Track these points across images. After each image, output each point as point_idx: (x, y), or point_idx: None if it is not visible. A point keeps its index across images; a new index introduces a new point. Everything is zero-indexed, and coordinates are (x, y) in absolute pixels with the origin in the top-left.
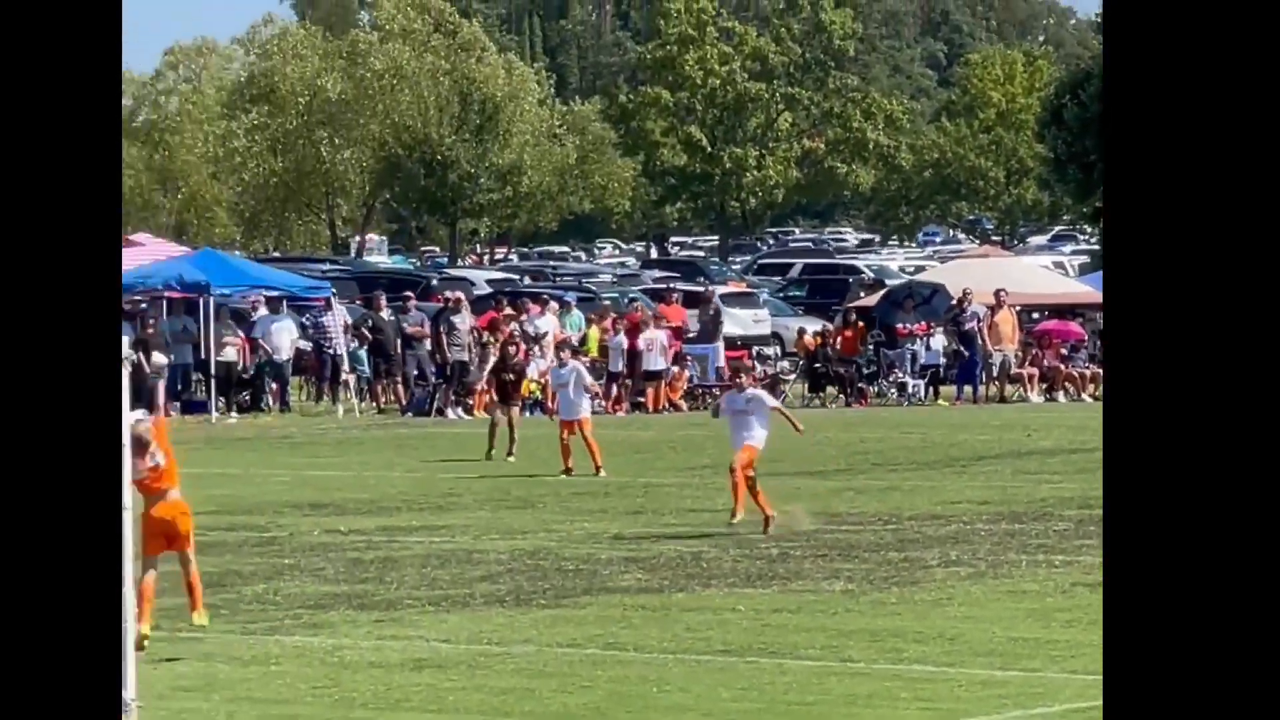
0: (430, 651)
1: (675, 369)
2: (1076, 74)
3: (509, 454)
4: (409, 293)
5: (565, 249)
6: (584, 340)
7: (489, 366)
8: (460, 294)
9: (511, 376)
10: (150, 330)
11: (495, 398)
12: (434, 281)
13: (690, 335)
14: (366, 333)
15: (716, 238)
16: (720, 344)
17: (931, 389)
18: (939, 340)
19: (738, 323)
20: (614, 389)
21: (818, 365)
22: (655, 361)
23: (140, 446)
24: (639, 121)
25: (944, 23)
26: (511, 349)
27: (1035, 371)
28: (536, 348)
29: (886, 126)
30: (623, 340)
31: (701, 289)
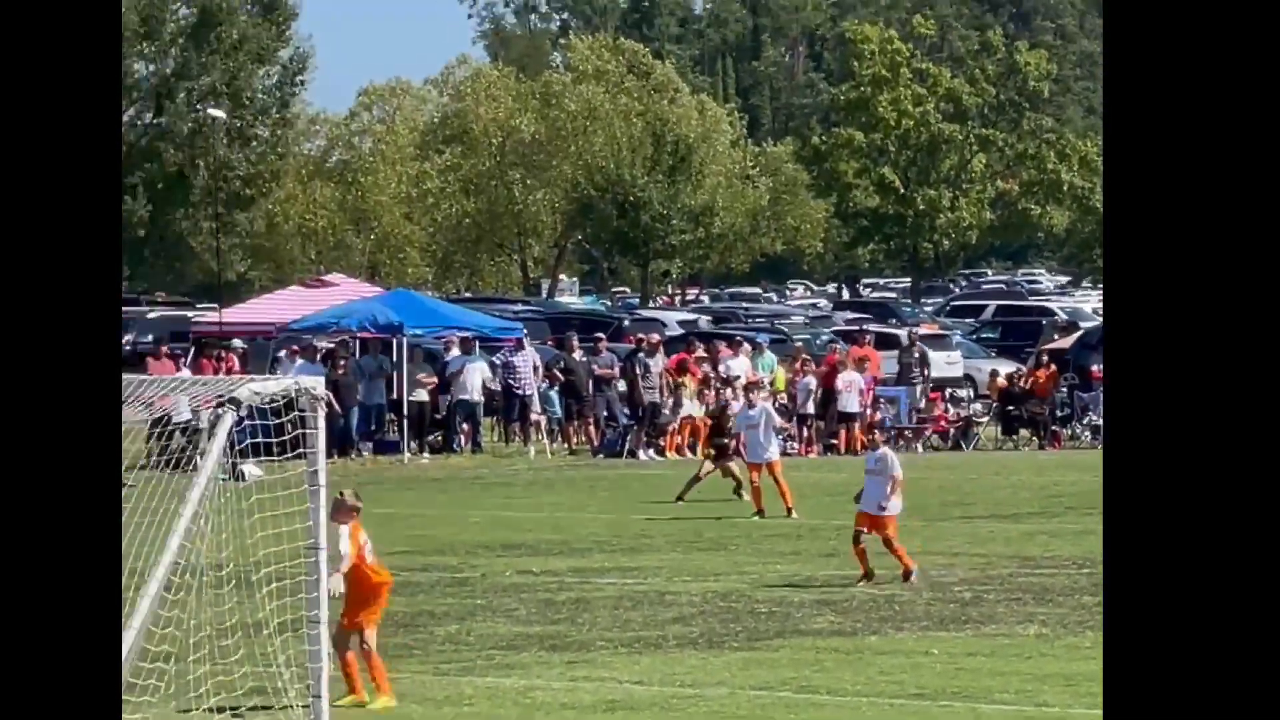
0: (623, 693)
1: (869, 410)
2: None
3: (737, 492)
4: (600, 334)
5: (757, 290)
6: (773, 381)
7: (683, 411)
8: (656, 336)
9: (727, 441)
10: (341, 370)
11: (713, 454)
12: (625, 322)
13: (884, 377)
14: (558, 374)
15: (908, 279)
16: (923, 386)
17: None
18: None
19: (931, 364)
20: (804, 431)
21: (1011, 408)
22: (851, 403)
23: (345, 511)
24: (832, 163)
25: None
26: (727, 421)
27: None
28: (728, 390)
29: (1081, 168)
30: (811, 382)
31: (894, 330)
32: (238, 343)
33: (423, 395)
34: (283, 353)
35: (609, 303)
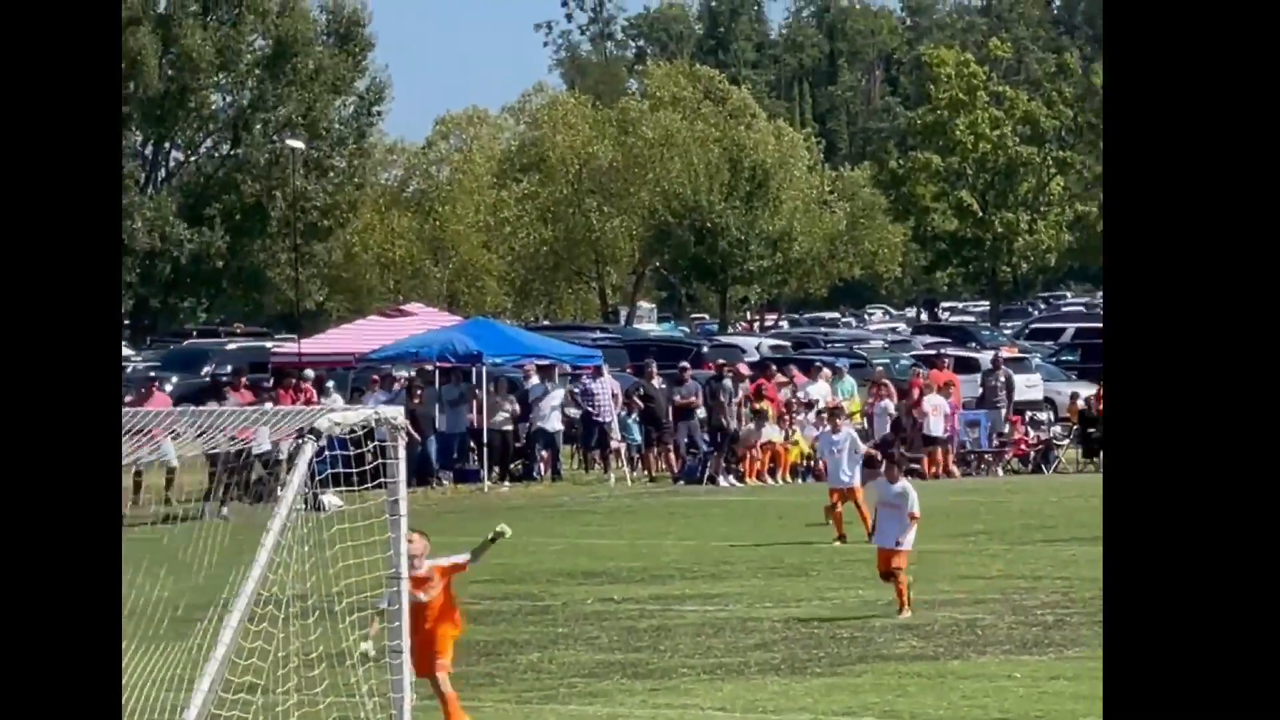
0: None
1: (953, 434)
2: None
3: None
4: (685, 363)
5: (835, 315)
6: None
7: (763, 437)
8: (738, 364)
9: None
10: (418, 401)
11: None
12: (704, 349)
13: (963, 401)
14: (638, 401)
15: (987, 302)
16: (1007, 410)
17: None
18: None
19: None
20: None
21: (1091, 430)
22: (936, 427)
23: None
24: (909, 187)
25: None
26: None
27: None
28: (808, 414)
29: None
30: (887, 405)
31: (974, 354)
32: (309, 373)
33: (504, 423)
34: (329, 383)
35: (687, 329)
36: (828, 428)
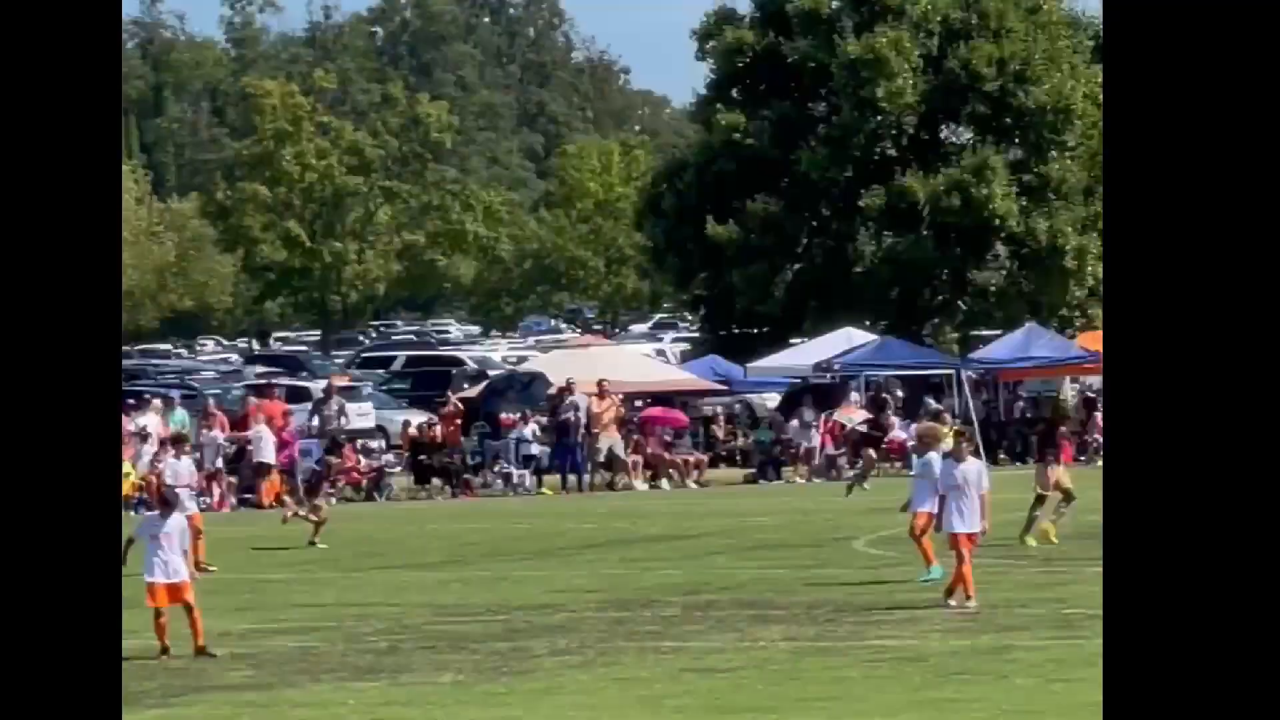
0: None
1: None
2: (673, 163)
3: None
4: None
5: (167, 346)
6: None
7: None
8: None
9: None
10: None
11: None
12: None
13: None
14: None
15: (319, 332)
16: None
17: (536, 478)
18: (538, 429)
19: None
20: (214, 486)
21: (422, 457)
22: (265, 455)
23: None
24: (238, 218)
25: (540, 114)
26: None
27: (639, 459)
28: (142, 445)
29: (486, 218)
30: (217, 435)
31: (305, 383)
32: None
33: None
34: None
35: None
36: (171, 454)
